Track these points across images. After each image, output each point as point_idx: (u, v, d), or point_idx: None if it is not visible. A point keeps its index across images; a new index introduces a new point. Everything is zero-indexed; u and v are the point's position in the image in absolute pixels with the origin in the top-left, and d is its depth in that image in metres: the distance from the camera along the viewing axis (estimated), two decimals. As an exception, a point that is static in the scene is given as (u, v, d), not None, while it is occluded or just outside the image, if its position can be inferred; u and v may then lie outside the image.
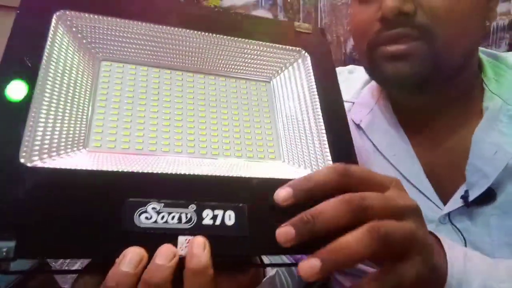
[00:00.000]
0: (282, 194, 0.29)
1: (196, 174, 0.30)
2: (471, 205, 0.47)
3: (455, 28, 0.45)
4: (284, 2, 0.95)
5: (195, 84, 0.37)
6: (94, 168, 0.28)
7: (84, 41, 0.35)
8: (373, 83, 0.61)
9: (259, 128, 0.37)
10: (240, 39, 0.39)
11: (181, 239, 0.27)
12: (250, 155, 0.35)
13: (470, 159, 0.48)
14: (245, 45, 0.40)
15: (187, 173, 0.30)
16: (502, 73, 0.53)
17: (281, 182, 0.31)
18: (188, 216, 0.28)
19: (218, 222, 0.28)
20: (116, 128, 0.32)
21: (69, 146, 0.30)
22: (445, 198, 0.50)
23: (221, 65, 0.39)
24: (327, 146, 0.35)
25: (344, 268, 0.30)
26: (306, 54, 0.41)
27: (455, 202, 0.49)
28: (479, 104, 0.51)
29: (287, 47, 0.41)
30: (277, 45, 0.40)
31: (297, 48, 0.41)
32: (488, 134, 0.49)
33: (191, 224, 0.27)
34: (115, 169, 0.28)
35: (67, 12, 0.34)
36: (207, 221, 0.28)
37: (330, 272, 0.27)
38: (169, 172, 0.29)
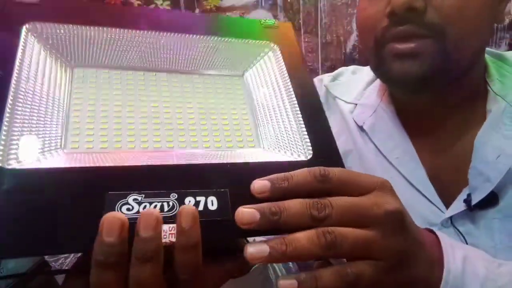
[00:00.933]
0: (259, 186, 0.29)
1: (176, 163, 0.30)
2: (474, 209, 0.47)
3: (465, 27, 0.43)
4: (284, 2, 0.97)
5: (169, 83, 0.38)
6: (72, 166, 0.28)
7: (55, 50, 0.35)
8: (376, 83, 0.60)
9: (236, 118, 0.37)
10: (211, 37, 0.40)
11: (165, 227, 0.27)
12: (230, 145, 0.36)
13: (472, 162, 0.48)
14: (216, 43, 0.40)
15: (166, 164, 0.30)
16: (506, 73, 0.52)
17: (260, 165, 0.32)
18: (170, 204, 0.28)
19: (201, 207, 0.28)
20: (93, 129, 0.33)
21: (46, 148, 0.30)
22: (447, 202, 0.50)
23: (195, 63, 0.40)
24: (304, 129, 0.36)
25: (293, 261, 0.31)
26: (275, 46, 0.42)
27: (458, 205, 0.48)
28: (483, 106, 0.51)
29: (257, 41, 0.42)
30: (247, 40, 0.41)
31: (267, 42, 0.42)
32: (491, 138, 0.48)
33: (173, 211, 0.28)
34: (93, 165, 0.28)
35: (37, 24, 0.35)
36: None
37: (278, 261, 0.28)
38: (149, 164, 0.30)
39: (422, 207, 0.51)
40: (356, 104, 0.60)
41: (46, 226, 0.25)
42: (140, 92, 0.36)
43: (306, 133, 0.35)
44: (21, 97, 0.31)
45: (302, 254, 0.28)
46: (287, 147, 0.35)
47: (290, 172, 0.30)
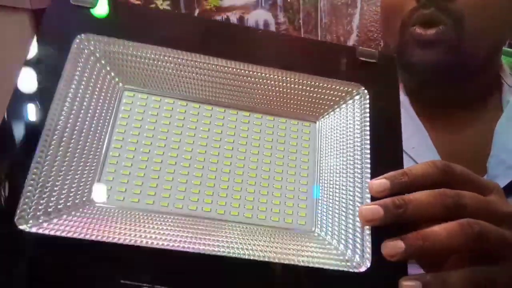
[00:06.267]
0: (377, 185, 0.29)
1: (208, 252, 0.26)
2: None
3: (485, 21, 0.46)
4: (284, 2, 0.94)
5: (225, 122, 0.32)
6: (91, 237, 0.25)
7: (107, 67, 0.31)
8: None
9: (292, 190, 0.31)
10: (285, 71, 0.33)
11: None
12: (275, 218, 0.30)
13: (493, 151, 0.49)
14: (291, 78, 0.33)
15: (198, 252, 0.26)
16: None
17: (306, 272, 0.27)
18: None
19: None
20: (128, 175, 0.29)
21: (77, 202, 0.27)
22: None
23: (260, 100, 0.33)
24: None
25: (427, 257, 0.30)
26: (365, 91, 0.33)
27: None
28: (497, 98, 0.53)
29: (343, 81, 0.33)
30: (330, 79, 0.33)
31: (355, 83, 0.33)
32: (510, 127, 0.50)
33: None
34: (116, 237, 0.25)
35: (90, 36, 0.30)
36: None
37: (413, 257, 0.28)
38: (181, 249, 0.26)
39: None
40: None
41: None
42: (190, 130, 0.31)
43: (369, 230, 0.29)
44: (58, 135, 0.28)
45: (442, 249, 0.26)
46: (342, 236, 0.29)
47: (406, 168, 0.29)
